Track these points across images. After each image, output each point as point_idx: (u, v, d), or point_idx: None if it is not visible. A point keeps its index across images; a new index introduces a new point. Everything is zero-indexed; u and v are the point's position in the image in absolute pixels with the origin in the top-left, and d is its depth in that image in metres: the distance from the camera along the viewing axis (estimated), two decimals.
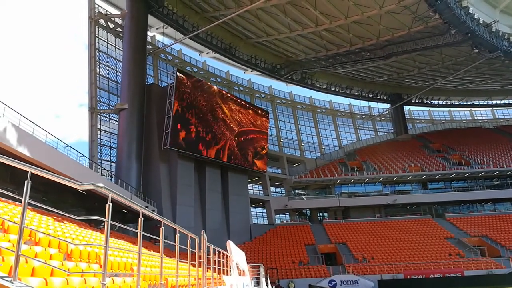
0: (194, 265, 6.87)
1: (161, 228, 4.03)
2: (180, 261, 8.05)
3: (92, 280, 4.00)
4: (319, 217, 47.69)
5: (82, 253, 7.42)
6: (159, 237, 5.05)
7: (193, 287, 6.74)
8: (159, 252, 4.46)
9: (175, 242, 5.14)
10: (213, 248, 8.06)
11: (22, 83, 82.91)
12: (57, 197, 18.30)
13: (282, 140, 52.42)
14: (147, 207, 25.21)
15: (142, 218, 3.62)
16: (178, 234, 4.65)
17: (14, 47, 76.92)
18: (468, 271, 30.78)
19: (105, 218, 3.74)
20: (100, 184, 2.80)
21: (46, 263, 3.81)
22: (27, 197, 2.67)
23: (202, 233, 5.62)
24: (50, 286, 3.20)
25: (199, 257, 5.87)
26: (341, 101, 60.95)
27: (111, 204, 2.90)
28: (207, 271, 9.36)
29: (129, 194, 23.83)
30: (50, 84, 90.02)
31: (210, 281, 8.00)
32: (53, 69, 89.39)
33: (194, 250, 6.59)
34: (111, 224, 3.84)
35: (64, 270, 3.57)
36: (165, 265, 10.58)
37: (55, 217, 14.77)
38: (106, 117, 34.44)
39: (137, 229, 4.41)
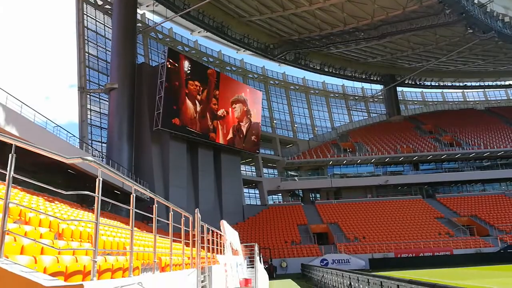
0: (188, 244, 6.78)
1: (154, 206, 3.87)
2: (174, 240, 7.95)
3: (84, 258, 3.86)
4: (311, 198, 48.08)
5: (74, 232, 7.27)
6: (153, 216, 4.92)
7: (186, 266, 6.66)
8: (152, 232, 4.35)
9: (170, 222, 5.01)
10: (207, 227, 7.98)
11: (10, 64, 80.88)
12: (46, 178, 18.04)
13: (275, 121, 52.23)
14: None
15: (135, 195, 3.46)
16: (172, 213, 4.51)
17: (0, 27, 74.63)
18: (457, 250, 31.45)
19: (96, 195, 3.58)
20: (89, 158, 2.62)
21: (36, 241, 3.65)
22: (12, 172, 2.48)
23: (196, 211, 5.49)
24: (39, 264, 3.06)
25: (193, 236, 5.76)
26: (334, 82, 60.80)
27: (101, 179, 2.73)
28: (201, 250, 9.31)
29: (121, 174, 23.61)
30: (39, 65, 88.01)
31: (204, 260, 7.94)
32: (41, 49, 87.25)
33: (188, 229, 6.48)
34: (103, 203, 3.69)
35: (54, 248, 3.42)
36: (158, 245, 10.50)
37: (45, 197, 14.57)
38: (97, 97, 33.83)
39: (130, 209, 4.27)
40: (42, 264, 3.07)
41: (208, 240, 8.99)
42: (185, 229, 6.23)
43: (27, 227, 5.13)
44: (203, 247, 8.13)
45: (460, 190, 46.87)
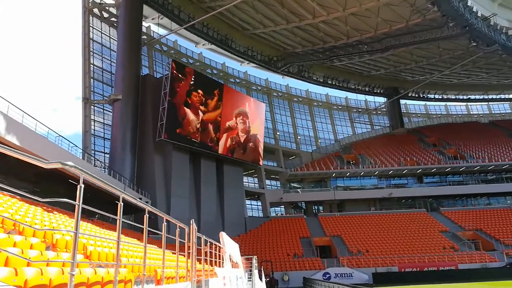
0: (184, 256, 6.67)
1: (144, 216, 3.79)
2: (172, 252, 7.84)
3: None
4: (314, 210, 47.70)
5: (68, 243, 7.19)
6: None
7: (181, 279, 6.54)
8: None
9: (163, 232, 4.93)
10: (205, 239, 7.86)
11: (16, 76, 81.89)
12: (47, 188, 18.01)
13: (278, 133, 52.22)
14: (140, 198, 24.94)
15: (122, 204, 3.40)
16: (165, 223, 4.42)
17: (8, 40, 75.82)
18: (462, 265, 30.90)
19: (83, 202, 3.51)
20: (70, 163, 2.55)
21: (2, 250, 3.53)
22: None
23: (191, 222, 5.38)
24: (20, 276, 2.97)
25: (188, 248, 5.66)
26: (337, 95, 60.88)
27: (83, 185, 2.67)
28: (198, 263, 9.14)
29: (122, 185, 23.56)
30: (46, 77, 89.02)
31: (201, 273, 7.80)
32: (48, 62, 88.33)
33: (184, 241, 6.38)
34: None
35: (23, 258, 3.33)
36: (155, 256, 10.36)
37: (45, 207, 14.50)
38: (101, 108, 34.04)
39: (131, 221, 4.22)
40: (24, 276, 2.99)
41: (206, 252, 8.86)
42: (180, 241, 6.14)
43: (17, 237, 5.06)
44: (199, 260, 8.00)
45: (465, 204, 46.32)
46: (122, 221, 3.54)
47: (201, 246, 8.06)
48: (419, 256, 32.41)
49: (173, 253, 9.17)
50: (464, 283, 25.65)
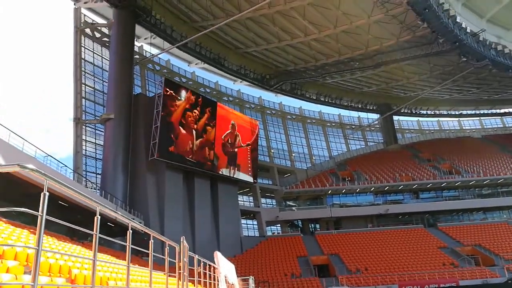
0: (175, 277, 6.20)
1: (128, 231, 3.37)
2: (164, 273, 7.30)
3: None
4: (311, 228, 46.98)
5: (52, 266, 6.69)
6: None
7: None
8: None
9: (150, 251, 4.50)
10: (198, 259, 7.40)
11: (9, 98, 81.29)
12: (36, 209, 17.30)
13: (272, 151, 51.91)
14: (133, 219, 24.28)
15: (99, 217, 3.00)
16: (152, 241, 4.00)
17: None
18: (463, 281, 30.26)
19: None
20: (30, 166, 2.19)
21: None
22: None
23: (181, 239, 4.93)
24: None
25: (180, 268, 5.21)
26: (331, 112, 61.02)
27: (47, 193, 2.30)
28: (191, 284, 8.62)
29: (114, 206, 22.90)
30: (37, 98, 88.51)
31: None
32: (40, 82, 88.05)
33: (175, 261, 5.93)
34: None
35: None
36: (147, 279, 9.78)
37: (32, 230, 13.89)
38: (92, 128, 33.60)
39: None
40: None
41: (200, 272, 8.37)
42: (174, 261, 5.69)
43: None
44: (192, 281, 7.52)
45: (462, 219, 45.95)
46: (115, 243, 3.18)
47: (194, 267, 7.59)
48: (419, 273, 31.74)
49: (165, 274, 8.64)
50: None
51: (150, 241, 4.45)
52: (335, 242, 39.34)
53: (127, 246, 3.69)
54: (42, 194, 2.29)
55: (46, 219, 2.35)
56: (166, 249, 4.68)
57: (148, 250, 4.33)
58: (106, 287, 6.74)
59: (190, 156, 33.71)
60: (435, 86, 50.76)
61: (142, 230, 4.40)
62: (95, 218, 2.99)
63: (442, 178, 46.89)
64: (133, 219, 24.36)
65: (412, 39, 39.49)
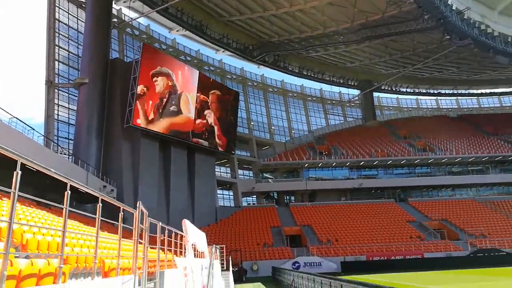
0: (140, 244, 6.14)
1: (66, 192, 3.22)
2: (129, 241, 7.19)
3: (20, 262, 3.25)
4: (286, 200, 47.83)
5: (41, 243, 6.45)
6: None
7: (126, 271, 6.03)
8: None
9: (121, 223, 4.51)
10: (161, 226, 7.35)
11: None
12: (3, 174, 16.87)
13: (252, 123, 51.81)
14: (105, 186, 24.01)
15: (69, 192, 2.96)
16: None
17: None
18: (428, 253, 31.71)
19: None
20: None
21: None
22: None
23: (138, 204, 4.79)
24: None
25: (139, 235, 5.14)
26: (312, 86, 60.95)
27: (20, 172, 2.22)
28: (152, 251, 8.63)
29: (85, 172, 22.54)
30: (12, 61, 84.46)
31: (156, 263, 7.32)
32: (15, 45, 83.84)
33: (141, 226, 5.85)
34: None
35: None
36: (113, 247, 9.73)
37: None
38: (66, 92, 32.53)
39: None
40: None
41: (163, 240, 8.36)
42: (126, 226, 5.61)
43: None
44: (153, 248, 7.51)
45: (432, 195, 47.63)
46: (87, 210, 3.11)
47: (157, 235, 7.56)
48: (387, 245, 33.03)
49: (125, 240, 8.60)
50: (432, 272, 26.28)
51: (120, 213, 4.49)
52: (308, 214, 40.27)
53: (97, 218, 3.75)
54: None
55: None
56: (120, 214, 4.60)
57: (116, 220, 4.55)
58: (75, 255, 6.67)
59: (166, 125, 33.18)
60: (416, 64, 51.08)
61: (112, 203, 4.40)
62: (65, 193, 2.99)
63: (416, 155, 48.12)
64: (105, 186, 24.12)
65: (398, 14, 39.25)
